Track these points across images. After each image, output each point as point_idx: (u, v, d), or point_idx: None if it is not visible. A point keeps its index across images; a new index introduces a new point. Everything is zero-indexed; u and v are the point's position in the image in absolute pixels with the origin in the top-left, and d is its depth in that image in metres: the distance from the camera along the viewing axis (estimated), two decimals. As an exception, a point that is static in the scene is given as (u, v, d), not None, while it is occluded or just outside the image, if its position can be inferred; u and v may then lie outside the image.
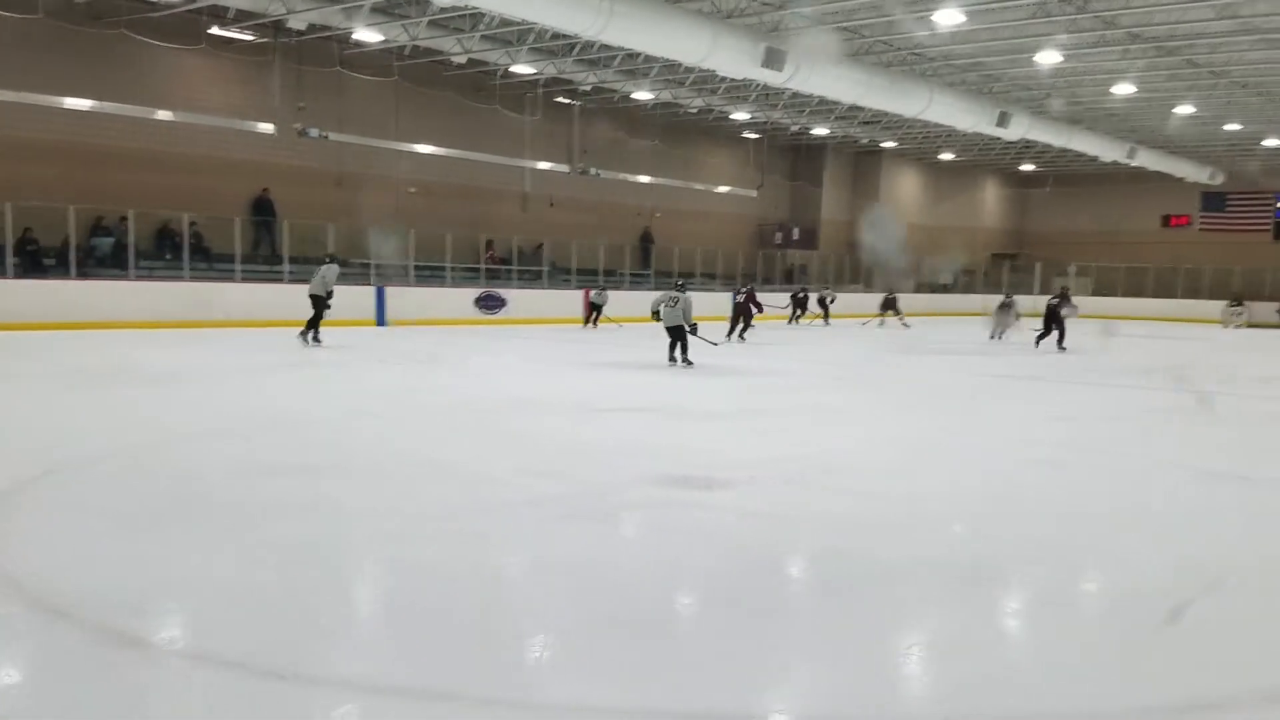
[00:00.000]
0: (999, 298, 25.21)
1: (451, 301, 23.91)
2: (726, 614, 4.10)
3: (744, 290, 22.25)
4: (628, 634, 3.81)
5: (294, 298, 21.23)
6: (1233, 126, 30.63)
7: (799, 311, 28.30)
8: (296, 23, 20.04)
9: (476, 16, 20.34)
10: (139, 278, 19.80)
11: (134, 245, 19.85)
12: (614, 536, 5.41)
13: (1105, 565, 5.10)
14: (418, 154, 25.29)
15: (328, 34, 21.52)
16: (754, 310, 21.67)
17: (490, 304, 24.66)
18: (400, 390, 11.60)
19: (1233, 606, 4.44)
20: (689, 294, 14.50)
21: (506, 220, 27.87)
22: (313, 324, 16.14)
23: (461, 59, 23.00)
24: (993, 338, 22.66)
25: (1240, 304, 33.13)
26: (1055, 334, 19.43)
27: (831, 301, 29.29)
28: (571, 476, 6.67)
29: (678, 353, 14.28)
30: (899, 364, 16.94)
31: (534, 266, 27.80)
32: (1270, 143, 32.98)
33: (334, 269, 16.70)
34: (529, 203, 28.70)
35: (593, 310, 24.64)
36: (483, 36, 21.78)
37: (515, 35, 22.02)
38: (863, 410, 10.95)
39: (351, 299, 22.07)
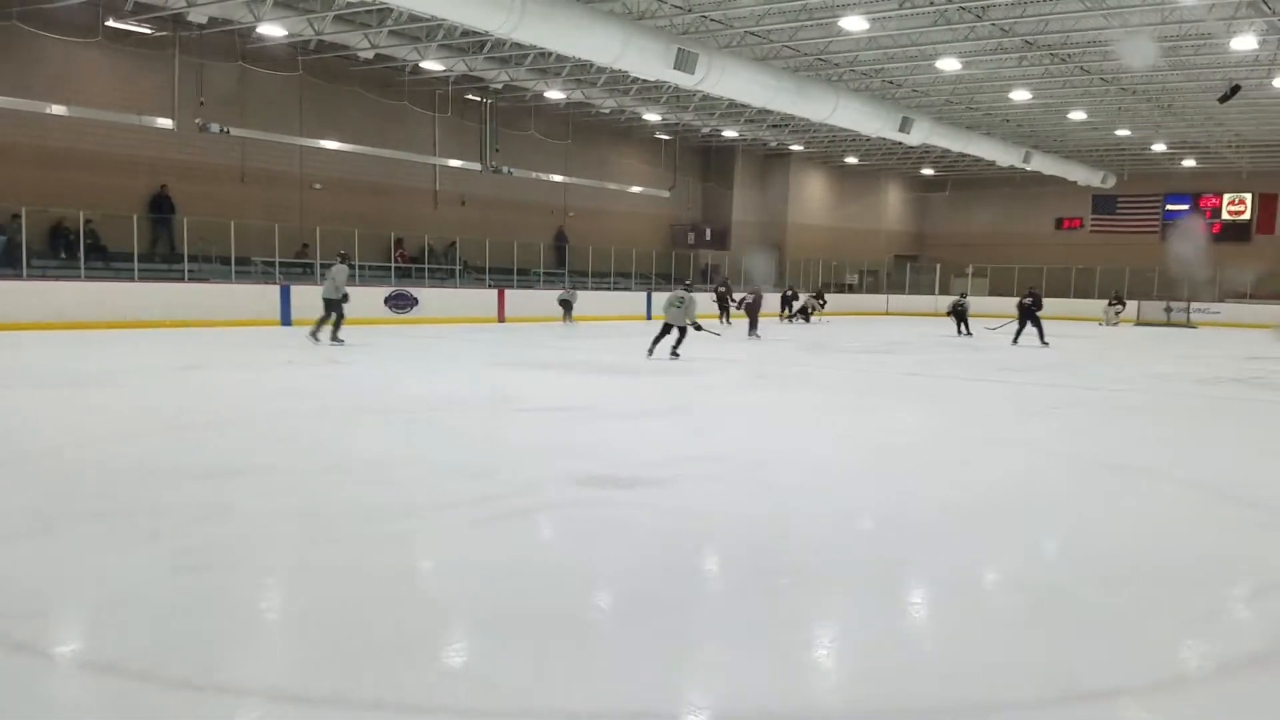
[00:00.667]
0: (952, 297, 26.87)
1: (361, 301, 23.44)
2: (647, 614, 4.14)
3: (753, 292, 24.77)
4: (547, 636, 3.82)
5: (194, 297, 20.73)
6: (1123, 132, 32.02)
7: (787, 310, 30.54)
8: (197, 16, 19.51)
9: (384, 11, 20.06)
10: (32, 278, 19.03)
11: (26, 244, 19.07)
12: (533, 537, 5.40)
13: (1012, 556, 5.30)
14: (324, 150, 24.83)
15: (230, 28, 20.97)
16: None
17: (401, 303, 24.34)
18: (308, 391, 11.37)
19: (1120, 594, 4.66)
20: (693, 295, 15.89)
21: (417, 218, 27.55)
22: (333, 325, 16.37)
23: (369, 54, 22.67)
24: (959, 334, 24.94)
25: (1120, 302, 34.57)
26: (1034, 330, 20.83)
27: (823, 304, 31.54)
28: (489, 476, 6.64)
29: (671, 345, 15.40)
30: (822, 364, 17.27)
31: (446, 265, 27.54)
32: (1158, 148, 34.58)
33: (343, 269, 16.65)
34: (440, 201, 28.43)
35: (564, 307, 25.81)
36: (391, 32, 21.50)
37: (424, 31, 21.79)
38: (786, 409, 11.14)
39: (252, 298, 21.61)
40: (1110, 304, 34.43)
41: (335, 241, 24.14)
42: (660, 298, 30.20)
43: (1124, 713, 3.37)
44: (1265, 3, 17.75)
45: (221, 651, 3.61)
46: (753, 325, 23.44)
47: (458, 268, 27.49)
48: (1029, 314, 21.06)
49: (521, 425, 9.13)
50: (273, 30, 20.93)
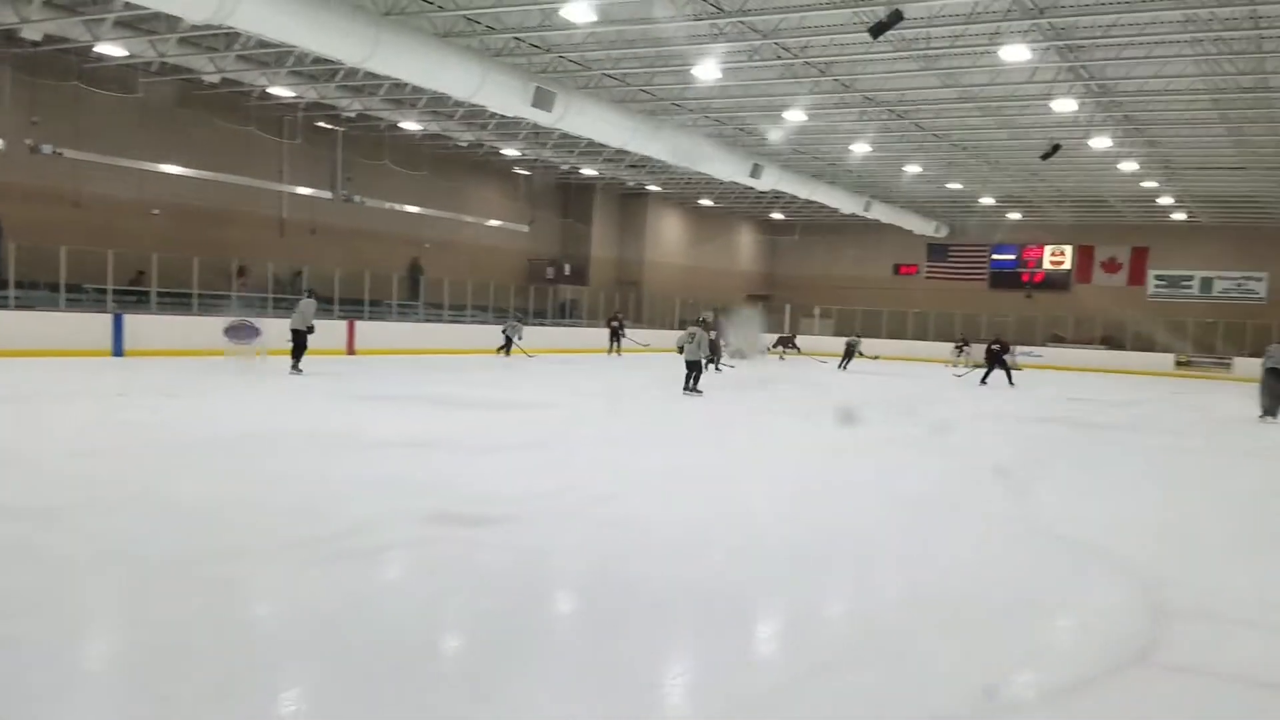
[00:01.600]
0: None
1: (199, 331, 22.53)
2: (494, 654, 4.13)
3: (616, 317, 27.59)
4: (389, 681, 3.76)
5: (20, 324, 19.45)
6: (954, 185, 33.96)
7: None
8: (31, 33, 18.47)
9: (232, 36, 19.47)
10: None
11: None
12: (376, 579, 5.30)
13: (840, 593, 5.53)
14: (164, 175, 23.79)
15: (66, 46, 19.94)
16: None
17: (242, 334, 23.39)
18: (137, 426, 10.82)
19: (943, 628, 4.93)
20: (706, 332, 16.85)
21: (262, 246, 26.65)
22: (296, 355, 17.69)
23: (215, 78, 21.93)
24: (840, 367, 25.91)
25: (966, 345, 36.28)
26: (1002, 373, 23.09)
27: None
28: (329, 516, 6.47)
29: (690, 382, 16.40)
30: (674, 398, 17.51)
31: (292, 295, 26.71)
32: (986, 201, 36.81)
33: (311, 303, 18.03)
34: (288, 229, 27.60)
35: (506, 342, 26.48)
36: (239, 57, 20.86)
37: (274, 57, 21.24)
38: (635, 442, 11.26)
39: (83, 327, 20.45)
40: (956, 347, 35.74)
41: (173, 268, 23.14)
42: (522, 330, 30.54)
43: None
44: (1083, 68, 19.23)
45: (29, 705, 3.42)
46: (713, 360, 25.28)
47: (304, 297, 26.66)
48: (997, 359, 23.55)
49: (365, 462, 8.92)
50: (112, 50, 20.01)
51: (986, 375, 23.55)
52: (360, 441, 10.10)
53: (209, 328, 22.66)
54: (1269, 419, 16.86)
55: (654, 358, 29.17)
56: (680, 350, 16.82)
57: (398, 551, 5.78)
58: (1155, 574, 5.85)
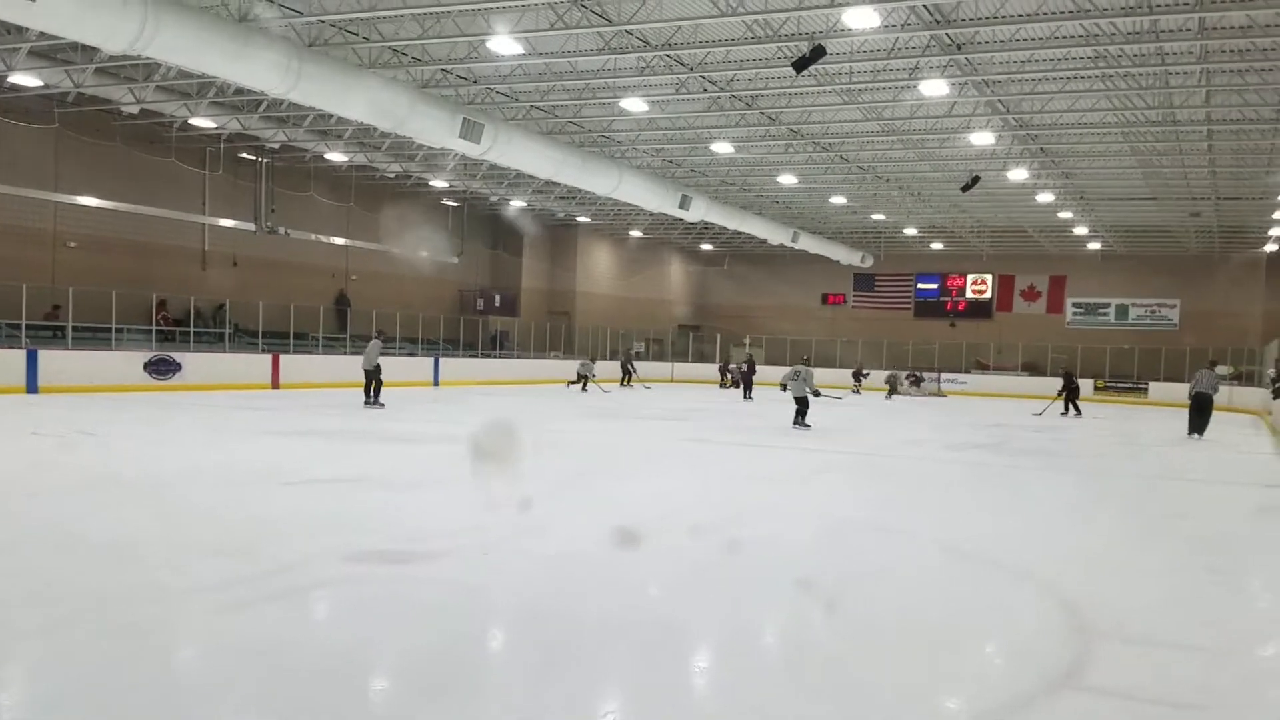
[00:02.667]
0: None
1: (118, 366, 21.92)
2: (424, 695, 4.05)
3: (746, 361, 30.47)
4: (308, 721, 3.66)
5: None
6: (879, 216, 34.69)
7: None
8: (-60, 64, 17.94)
9: (151, 66, 19.12)
10: None
11: None
12: (300, 619, 5.15)
13: (776, 617, 5.53)
14: (81, 207, 23.22)
15: (-23, 76, 19.40)
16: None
17: (163, 369, 22.84)
18: (49, 464, 10.44)
19: (878, 650, 4.96)
20: (810, 369, 17.79)
21: (184, 279, 26.08)
22: (368, 391, 19.31)
23: (134, 109, 21.48)
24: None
25: (865, 374, 36.69)
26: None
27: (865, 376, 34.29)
28: (252, 555, 6.29)
29: (798, 419, 17.20)
30: (611, 430, 17.47)
31: (214, 329, 26.15)
32: (910, 231, 37.64)
33: (377, 344, 19.68)
34: (210, 261, 27.05)
35: (580, 380, 29.16)
36: (158, 87, 20.47)
37: (195, 88, 20.90)
38: (559, 474, 11.17)
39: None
40: (855, 375, 36.07)
41: (90, 302, 22.50)
42: (449, 363, 30.37)
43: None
44: (1000, 102, 19.83)
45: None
46: (747, 390, 29.06)
47: (227, 331, 26.14)
48: (1073, 392, 25.02)
49: (289, 499, 8.72)
50: (26, 80, 19.49)
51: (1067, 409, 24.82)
52: (284, 478, 9.86)
53: (128, 363, 22.10)
54: (1196, 436, 18.41)
55: (621, 392, 29.13)
56: (784, 388, 17.93)
57: (323, 591, 5.63)
58: (1078, 596, 5.96)
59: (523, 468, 11.83)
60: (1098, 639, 5.13)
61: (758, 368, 30.96)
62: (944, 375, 37.05)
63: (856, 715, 3.99)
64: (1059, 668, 4.66)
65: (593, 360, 31.59)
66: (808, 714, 4.01)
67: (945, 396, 34.70)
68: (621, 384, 32.95)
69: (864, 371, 35.93)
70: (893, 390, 33.15)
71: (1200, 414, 18.73)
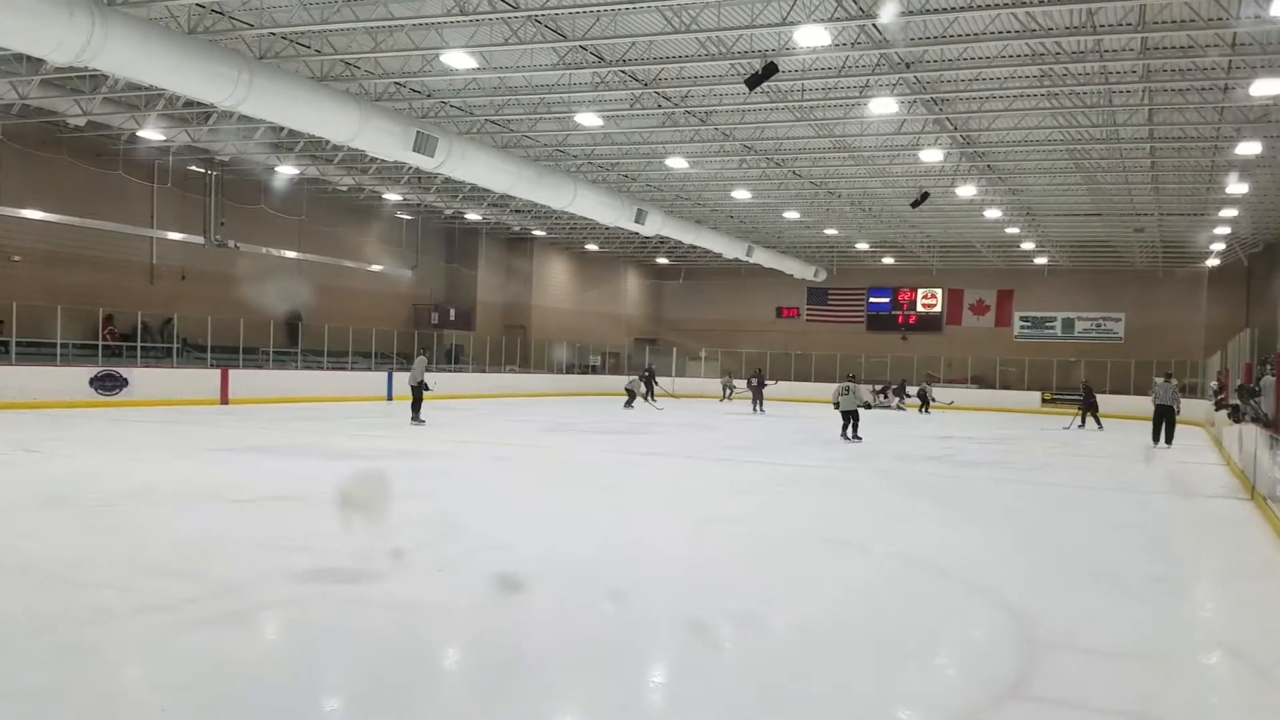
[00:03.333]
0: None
1: (63, 382, 21.48)
2: (372, 713, 4.00)
3: (757, 373, 30.94)
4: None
5: None
6: (831, 231, 35.05)
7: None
8: (-121, 72, 17.49)
9: (99, 78, 18.81)
10: None
11: None
12: (249, 641, 5.07)
13: (729, 627, 5.55)
14: (26, 220, 22.77)
15: (-85, 84, 18.95)
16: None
17: (109, 384, 22.41)
18: (-7, 485, 10.21)
19: (830, 659, 4.99)
20: (858, 384, 19.12)
21: (131, 293, 25.62)
22: (414, 407, 20.13)
23: (80, 121, 21.10)
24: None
25: (731, 380, 37.07)
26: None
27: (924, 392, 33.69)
28: (198, 575, 6.19)
29: (849, 431, 18.41)
30: (564, 444, 17.41)
31: (162, 344, 25.71)
32: (862, 245, 38.07)
33: (422, 360, 20.93)
34: (158, 275, 26.61)
35: (631, 396, 29.30)
36: (106, 99, 20.13)
37: (143, 99, 20.59)
38: (518, 491, 11.13)
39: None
40: (723, 383, 36.64)
41: (36, 316, 22.03)
42: (403, 378, 29.93)
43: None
44: (948, 120, 20.16)
45: None
46: (757, 400, 29.97)
47: (175, 346, 25.71)
48: (1090, 405, 25.59)
49: (237, 517, 8.59)
50: (-33, 91, 19.11)
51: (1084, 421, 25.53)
52: (232, 496, 9.70)
53: (74, 378, 21.66)
54: (1164, 445, 19.55)
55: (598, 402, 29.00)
56: (836, 405, 18.89)
57: (272, 611, 5.56)
58: (1025, 606, 6.05)
59: (475, 482, 11.77)
60: (1044, 649, 5.22)
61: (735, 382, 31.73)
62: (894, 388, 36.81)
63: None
64: (1006, 678, 4.73)
65: (649, 375, 32.05)
66: (761, 728, 4.03)
67: (904, 410, 34.71)
68: (648, 400, 31.66)
69: (730, 376, 36.64)
70: (925, 402, 33.30)
71: (1162, 423, 19.89)
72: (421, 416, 20.04)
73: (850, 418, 18.63)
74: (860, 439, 18.29)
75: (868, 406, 18.75)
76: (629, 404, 28.95)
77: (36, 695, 4.04)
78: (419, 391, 20.29)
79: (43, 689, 4.12)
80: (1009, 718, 4.23)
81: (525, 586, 6.31)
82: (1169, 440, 19.67)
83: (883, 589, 6.72)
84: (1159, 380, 20.77)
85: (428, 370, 20.93)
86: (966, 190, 25.93)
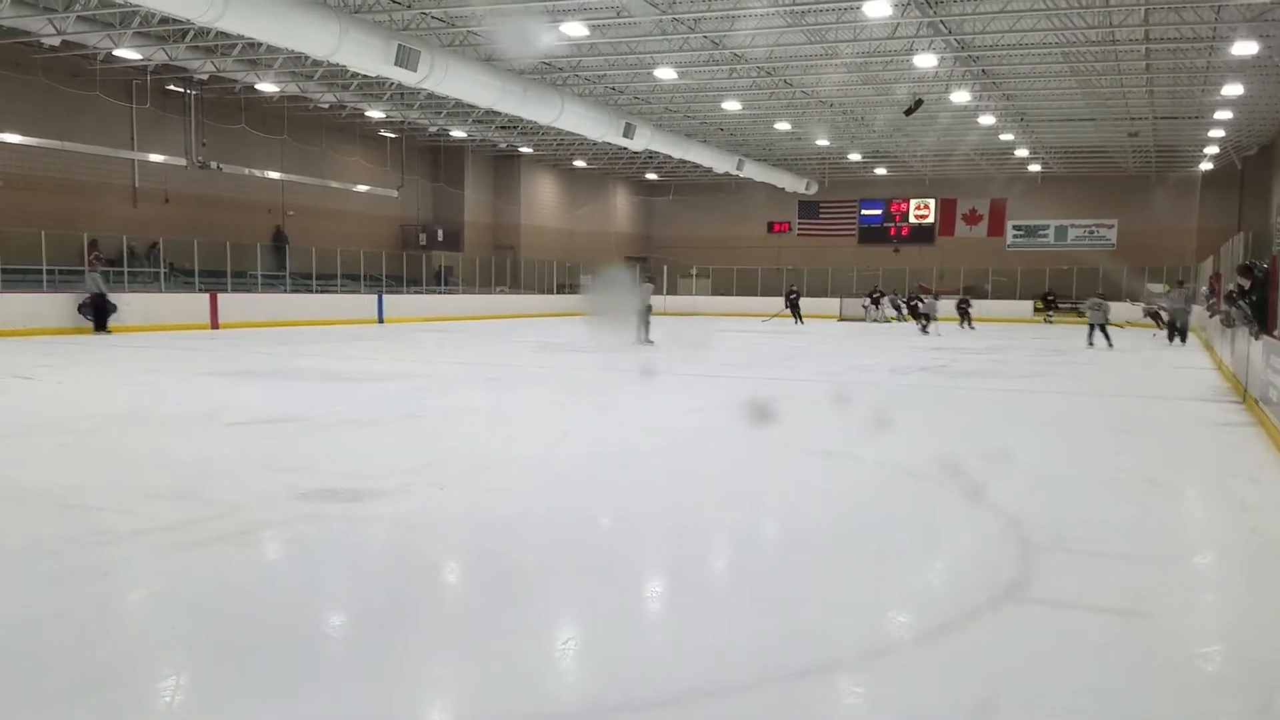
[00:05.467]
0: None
1: (50, 309, 21.31)
2: (379, 631, 4.03)
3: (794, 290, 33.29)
4: (265, 665, 3.62)
5: None
6: (823, 142, 34.58)
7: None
8: None
9: (70, -7, 18.28)
10: None
11: None
12: (251, 561, 5.07)
13: (729, 542, 5.60)
14: (3, 144, 22.32)
15: (-118, 4, 18.37)
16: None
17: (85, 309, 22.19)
18: (-15, 413, 10.17)
19: (828, 571, 5.04)
20: (1106, 301, 21.82)
21: (114, 218, 25.29)
22: (644, 329, 20.28)
23: (54, 41, 20.54)
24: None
25: (877, 298, 36.35)
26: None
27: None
28: (198, 497, 6.20)
29: (1100, 337, 21.11)
30: (555, 364, 17.41)
31: (149, 268, 25.47)
32: (854, 157, 37.62)
33: (649, 287, 22.32)
34: (140, 198, 26.24)
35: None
36: (79, 18, 19.56)
37: (118, 18, 20.03)
38: (513, 411, 11.14)
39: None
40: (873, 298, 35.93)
41: (18, 243, 21.72)
42: (394, 299, 29.96)
43: (836, 684, 3.63)
44: (943, 23, 19.74)
45: None
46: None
47: (162, 271, 25.47)
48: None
49: (233, 440, 8.59)
50: (-65, 11, 18.55)
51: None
52: (228, 419, 9.69)
53: (61, 304, 21.49)
54: (1178, 344, 22.23)
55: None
56: (1081, 314, 22.29)
57: (272, 532, 5.57)
58: (1021, 511, 6.10)
59: (467, 402, 11.78)
60: (1041, 552, 5.27)
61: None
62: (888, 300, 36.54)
63: (802, 632, 4.06)
64: (1004, 581, 4.78)
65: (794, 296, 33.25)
66: (756, 630, 4.08)
67: (890, 322, 34.77)
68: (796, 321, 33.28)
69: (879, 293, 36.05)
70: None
71: (1174, 327, 23.05)
72: (652, 338, 20.11)
73: (1102, 329, 21.10)
74: (1112, 345, 20.54)
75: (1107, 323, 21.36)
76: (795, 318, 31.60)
77: (41, 618, 4.05)
78: (645, 316, 20.39)
79: (47, 611, 4.14)
80: (1005, 618, 4.28)
81: (521, 501, 6.34)
82: (1183, 340, 22.39)
83: (875, 496, 6.76)
84: (1156, 287, 22.23)
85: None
86: (960, 96, 25.55)
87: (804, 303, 35.11)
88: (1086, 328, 21.88)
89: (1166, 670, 3.79)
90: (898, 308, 34.38)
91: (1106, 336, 21.15)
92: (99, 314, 21.44)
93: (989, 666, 3.76)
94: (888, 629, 4.26)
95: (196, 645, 3.86)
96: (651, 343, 19.83)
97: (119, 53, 21.84)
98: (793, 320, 33.10)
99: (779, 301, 35.91)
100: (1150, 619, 4.33)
